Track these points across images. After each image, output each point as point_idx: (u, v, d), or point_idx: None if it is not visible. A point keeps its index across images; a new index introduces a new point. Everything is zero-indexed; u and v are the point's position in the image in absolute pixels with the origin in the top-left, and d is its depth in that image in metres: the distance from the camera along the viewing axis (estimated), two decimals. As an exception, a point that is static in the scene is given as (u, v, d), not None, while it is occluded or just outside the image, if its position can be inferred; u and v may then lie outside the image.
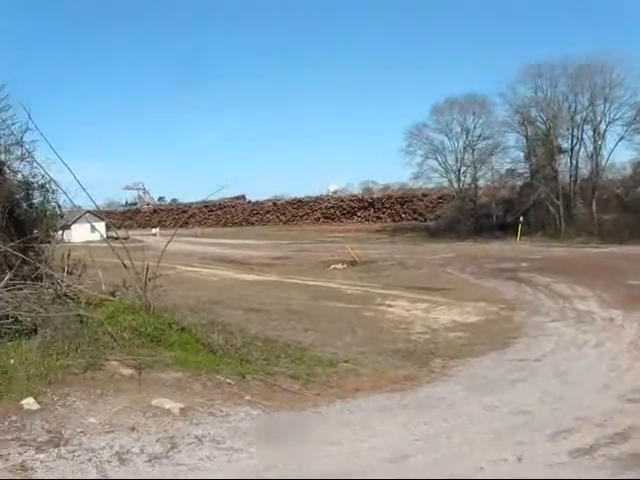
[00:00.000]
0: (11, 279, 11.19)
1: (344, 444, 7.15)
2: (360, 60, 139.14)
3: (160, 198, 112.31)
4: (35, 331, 10.19)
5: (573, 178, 58.12)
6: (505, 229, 55.77)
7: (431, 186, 72.88)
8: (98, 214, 40.21)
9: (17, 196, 15.21)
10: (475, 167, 65.87)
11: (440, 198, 75.44)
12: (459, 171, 67.03)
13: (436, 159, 67.36)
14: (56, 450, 6.65)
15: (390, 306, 19.82)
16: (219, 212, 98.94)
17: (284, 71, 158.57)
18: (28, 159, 14.71)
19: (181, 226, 76.87)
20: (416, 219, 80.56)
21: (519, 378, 10.60)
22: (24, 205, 15.58)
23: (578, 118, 56.95)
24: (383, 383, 10.27)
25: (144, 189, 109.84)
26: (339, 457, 6.76)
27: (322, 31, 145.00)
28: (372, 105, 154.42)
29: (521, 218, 53.93)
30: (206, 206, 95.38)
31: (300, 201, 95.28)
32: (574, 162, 58.16)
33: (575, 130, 57.56)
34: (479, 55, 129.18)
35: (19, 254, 12.59)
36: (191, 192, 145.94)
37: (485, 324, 16.28)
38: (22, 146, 14.42)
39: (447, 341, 14.14)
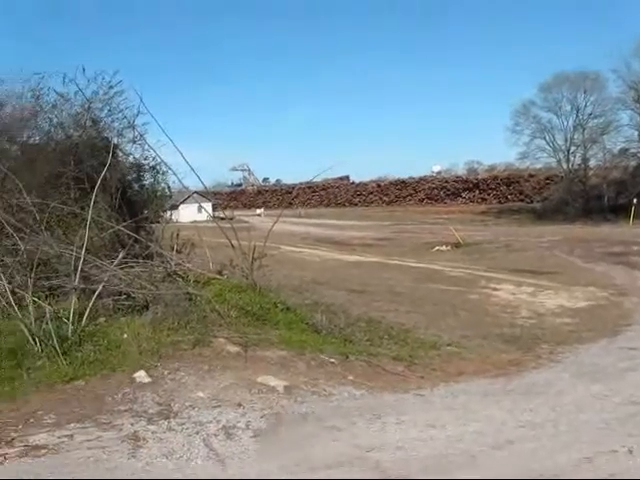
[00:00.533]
0: (124, 257, 11.61)
1: (447, 428, 7.07)
2: (467, 37, 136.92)
3: (264, 179, 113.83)
4: (147, 307, 10.57)
5: (691, 157, 55.22)
6: (617, 212, 53.46)
7: (538, 166, 70.43)
8: (205, 194, 41.20)
9: (129, 178, 15.79)
10: (585, 147, 63.27)
11: (548, 179, 72.88)
12: (568, 151, 64.54)
13: (544, 138, 65.07)
14: (166, 422, 6.90)
15: (495, 289, 19.45)
16: (322, 193, 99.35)
17: (391, 51, 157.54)
18: (140, 142, 15.24)
19: (285, 207, 77.85)
20: (522, 200, 78.28)
21: (630, 367, 10.16)
22: (136, 186, 16.18)
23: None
24: (487, 367, 10.09)
25: (249, 170, 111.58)
26: (441, 441, 6.69)
27: (432, 10, 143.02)
28: (478, 84, 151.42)
29: (634, 200, 51.64)
30: (309, 187, 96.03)
31: (403, 182, 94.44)
32: (693, 140, 55.26)
33: (694, 105, 54.65)
34: (590, 30, 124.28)
35: (131, 233, 13.06)
36: (295, 173, 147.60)
37: (594, 310, 15.71)
38: (134, 129, 14.93)
39: (554, 326, 13.74)
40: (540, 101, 64.55)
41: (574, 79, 62.10)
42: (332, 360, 9.35)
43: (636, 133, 60.07)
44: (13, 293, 9.47)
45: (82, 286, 10.22)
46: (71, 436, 6.49)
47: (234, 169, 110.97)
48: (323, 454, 6.24)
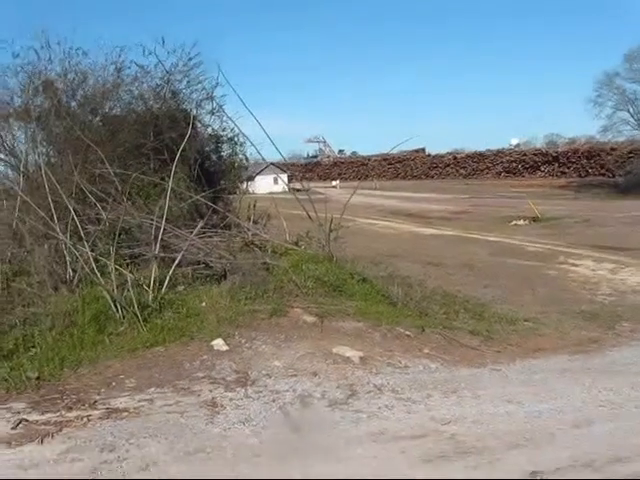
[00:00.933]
0: (202, 227, 11.79)
1: (524, 404, 6.94)
2: (549, 8, 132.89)
3: (340, 151, 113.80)
4: (224, 277, 10.72)
5: None
6: None
7: (621, 140, 68.27)
8: (281, 166, 41.40)
9: (207, 149, 15.99)
10: (671, 118, 61.07)
11: (631, 152, 70.29)
12: (653, 123, 62.43)
13: (628, 110, 62.93)
14: (243, 390, 7.00)
15: (574, 265, 18.97)
16: (398, 165, 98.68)
17: (467, 20, 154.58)
18: (218, 113, 15.39)
19: (360, 179, 77.64)
20: (604, 175, 75.82)
21: None
22: (214, 157, 16.40)
23: None
24: (566, 344, 9.86)
25: (325, 142, 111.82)
26: (519, 416, 6.58)
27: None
28: (559, 56, 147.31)
29: None
30: (385, 159, 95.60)
31: (481, 155, 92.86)
32: None
33: None
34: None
35: (209, 203, 13.24)
36: (371, 144, 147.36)
37: (679, 288, 15.17)
38: (213, 100, 15.09)
39: (636, 304, 13.29)
40: (624, 71, 62.26)
41: (661, 46, 59.63)
42: (408, 333, 9.28)
43: None
44: (96, 261, 9.72)
45: (162, 254, 10.43)
46: (151, 400, 6.66)
47: (310, 141, 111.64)
48: (398, 426, 6.22)
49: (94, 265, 9.48)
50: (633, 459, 5.57)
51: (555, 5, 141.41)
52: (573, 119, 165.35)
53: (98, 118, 14.80)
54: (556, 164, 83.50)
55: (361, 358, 8.15)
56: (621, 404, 7.04)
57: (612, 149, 74.09)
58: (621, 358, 9.17)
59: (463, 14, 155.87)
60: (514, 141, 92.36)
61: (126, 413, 6.33)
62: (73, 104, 14.61)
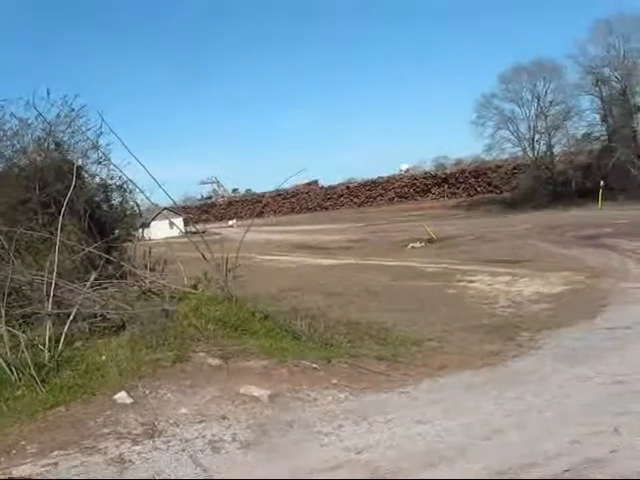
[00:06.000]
0: (97, 279, 11.51)
1: (435, 422, 7.07)
2: (422, 34, 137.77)
3: (234, 190, 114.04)
4: (123, 327, 10.46)
5: (654, 137, 56.03)
6: (585, 195, 54.32)
7: (505, 157, 71.61)
8: (176, 210, 41.05)
9: (97, 198, 15.64)
10: (549, 134, 64.33)
11: (515, 168, 73.73)
12: (533, 139, 65.61)
13: (508, 129, 66.21)
14: (151, 442, 6.82)
15: (471, 282, 19.56)
16: (293, 200, 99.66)
17: (349, 49, 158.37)
18: (104, 162, 15.11)
19: (256, 216, 77.89)
20: (492, 192, 79.04)
21: (610, 347, 10.25)
22: (104, 206, 16.02)
23: (655, 73, 54.94)
24: (470, 359, 10.12)
25: (218, 182, 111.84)
26: (431, 435, 6.70)
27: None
28: (439, 80, 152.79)
29: (601, 183, 52.40)
30: (279, 194, 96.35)
31: (373, 182, 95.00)
32: (654, 120, 56.11)
33: (653, 86, 55.53)
34: (546, 16, 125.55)
35: (103, 254, 12.94)
36: (264, 182, 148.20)
37: (571, 294, 15.84)
38: (98, 149, 14.82)
39: (533, 313, 13.84)
40: (501, 92, 65.97)
41: (532, 69, 63.35)
42: (314, 365, 9.31)
43: (598, 117, 61.13)
44: (-15, 324, 9.31)
45: (56, 311, 10.10)
46: (55, 464, 6.38)
47: (203, 182, 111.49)
48: (312, 460, 6.20)
49: (-17, 329, 9.08)
50: (541, 463, 5.76)
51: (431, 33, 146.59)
52: (459, 139, 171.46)
53: (-22, 175, 14.31)
54: (446, 185, 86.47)
55: (269, 396, 8.11)
56: (526, 411, 7.29)
57: (497, 166, 77.59)
58: (523, 367, 9.50)
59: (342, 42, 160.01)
60: (404, 166, 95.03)
61: (29, 481, 6.06)
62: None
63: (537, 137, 65.26)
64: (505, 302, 15.68)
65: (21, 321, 10.10)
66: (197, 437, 6.90)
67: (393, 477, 5.68)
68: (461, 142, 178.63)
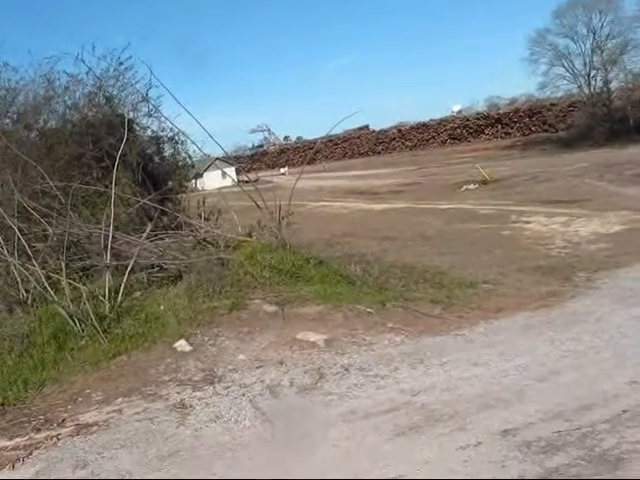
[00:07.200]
0: (152, 230, 11.69)
1: (490, 365, 7.03)
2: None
3: (285, 137, 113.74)
4: (180, 277, 10.65)
5: None
6: (644, 131, 52.64)
7: (560, 95, 69.41)
8: (227, 160, 41.18)
9: (149, 151, 15.79)
10: (606, 69, 62.07)
11: (570, 106, 71.69)
12: (589, 75, 63.42)
13: (562, 65, 64.07)
14: (211, 387, 6.97)
15: (527, 222, 19.24)
16: (344, 145, 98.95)
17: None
18: (155, 114, 15.21)
19: (308, 163, 77.59)
20: (547, 131, 77.11)
21: (671, 286, 10.03)
22: (156, 159, 16.19)
23: None
24: (526, 301, 9.99)
25: (269, 130, 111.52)
26: (486, 377, 6.67)
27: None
28: (491, 18, 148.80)
29: (661, 118, 50.76)
30: (331, 140, 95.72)
31: (425, 125, 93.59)
32: None
33: None
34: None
35: (157, 206, 13.10)
36: (315, 128, 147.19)
37: (629, 234, 15.41)
38: (148, 102, 14.90)
39: (590, 254, 13.54)
40: (555, 27, 63.50)
41: (588, 1, 60.68)
42: (369, 310, 9.32)
43: (657, 49, 58.75)
44: (48, 278, 9.56)
45: (114, 263, 10.31)
46: (119, 410, 6.59)
47: (254, 131, 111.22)
48: (368, 403, 6.25)
49: (46, 283, 9.33)
50: (599, 404, 5.71)
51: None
52: (512, 79, 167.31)
53: (34, 133, 14.54)
54: (499, 126, 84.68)
55: (325, 341, 8.18)
56: (584, 352, 7.19)
57: (552, 105, 75.45)
58: (580, 308, 9.32)
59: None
60: (456, 108, 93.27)
61: (95, 427, 6.26)
62: (7, 121, 14.34)
63: (593, 73, 63.09)
64: (562, 243, 15.39)
65: (81, 274, 10.37)
66: (255, 382, 7.01)
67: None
68: (514, 80, 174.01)
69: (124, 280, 9.78)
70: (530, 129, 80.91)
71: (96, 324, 8.57)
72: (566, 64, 63.84)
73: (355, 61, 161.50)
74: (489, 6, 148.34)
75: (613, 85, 62.92)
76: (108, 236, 10.41)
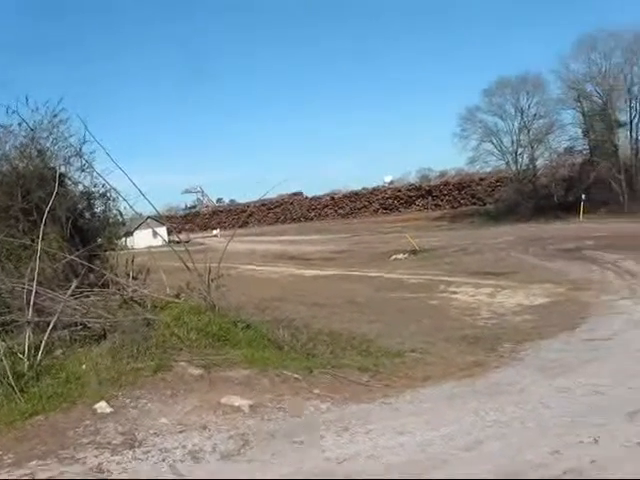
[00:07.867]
0: (78, 287, 11.42)
1: (416, 433, 7.05)
2: (406, 51, 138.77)
3: (218, 199, 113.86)
4: (104, 336, 10.39)
5: (634, 151, 56.65)
6: (567, 209, 54.80)
7: (488, 170, 71.92)
8: (159, 219, 40.79)
9: (79, 206, 15.53)
10: (532, 147, 64.76)
11: (498, 181, 74.47)
12: (516, 153, 66.02)
13: (491, 142, 66.51)
14: (131, 452, 6.76)
15: (454, 293, 19.61)
16: (277, 210, 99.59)
17: (333, 63, 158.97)
18: (88, 169, 15.03)
19: (240, 226, 77.73)
20: (475, 204, 79.54)
21: (591, 358, 10.31)
22: (87, 215, 15.91)
23: (635, 89, 55.73)
24: (452, 370, 10.12)
25: (202, 192, 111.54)
26: (412, 446, 6.68)
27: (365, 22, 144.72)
28: (424, 93, 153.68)
29: (583, 196, 52.97)
30: (264, 204, 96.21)
31: (357, 194, 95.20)
32: (634, 135, 56.80)
33: (633, 102, 56.30)
34: (530, 32, 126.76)
35: (84, 262, 12.85)
36: (249, 192, 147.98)
37: (552, 306, 15.93)
38: (81, 157, 14.74)
39: (514, 325, 13.88)
40: (485, 105, 66.15)
41: (516, 83, 63.75)
42: (296, 375, 9.27)
43: (580, 131, 61.78)
44: (-35, 332, 9.23)
45: (36, 319, 10.00)
46: (33, 474, 6.31)
47: (187, 191, 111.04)
48: (292, 470, 6.17)
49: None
50: (525, 473, 5.76)
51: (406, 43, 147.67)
52: (443, 152, 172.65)
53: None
54: (430, 197, 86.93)
55: (251, 406, 8.08)
56: (507, 422, 7.29)
57: (481, 179, 78.33)
58: (504, 378, 9.50)
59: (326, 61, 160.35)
60: (388, 178, 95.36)
61: (5, 491, 5.98)
62: None
63: (520, 150, 65.69)
64: (487, 314, 15.73)
65: (0, 329, 10.01)
66: (177, 447, 6.84)
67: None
68: (445, 155, 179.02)
69: (45, 337, 9.47)
70: (459, 202, 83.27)
71: (13, 382, 8.24)
72: (495, 141, 66.34)
73: (291, 128, 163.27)
74: (422, 84, 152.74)
75: (539, 163, 65.76)
76: (31, 291, 10.13)
